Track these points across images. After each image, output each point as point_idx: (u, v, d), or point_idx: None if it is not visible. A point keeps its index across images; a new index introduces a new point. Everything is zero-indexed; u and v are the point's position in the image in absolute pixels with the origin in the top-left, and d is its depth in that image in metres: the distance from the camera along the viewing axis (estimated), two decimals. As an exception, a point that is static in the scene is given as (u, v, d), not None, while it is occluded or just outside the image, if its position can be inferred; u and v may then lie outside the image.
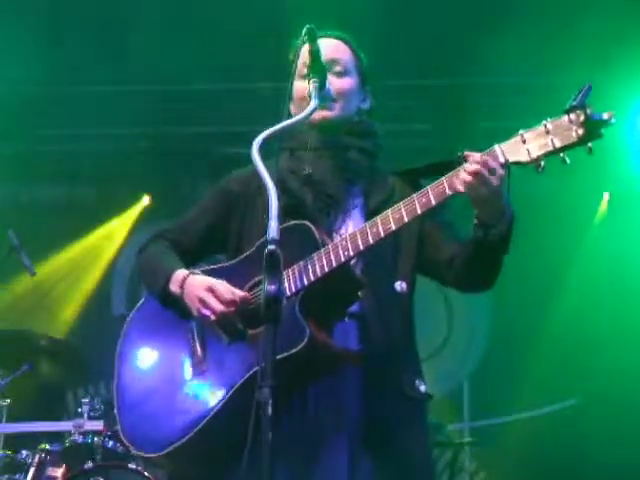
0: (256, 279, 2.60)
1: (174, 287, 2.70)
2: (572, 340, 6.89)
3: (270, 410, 1.97)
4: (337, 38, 2.90)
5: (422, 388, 2.68)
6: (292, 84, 2.76)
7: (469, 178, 2.35)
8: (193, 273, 2.72)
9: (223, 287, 2.61)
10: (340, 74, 2.83)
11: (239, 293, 2.60)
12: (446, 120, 6.69)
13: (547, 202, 7.10)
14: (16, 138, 7.28)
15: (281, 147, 2.65)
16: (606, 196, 7.43)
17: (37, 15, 5.99)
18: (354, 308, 2.60)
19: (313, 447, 2.52)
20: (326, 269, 2.49)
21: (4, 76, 6.38)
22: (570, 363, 6.84)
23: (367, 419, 2.55)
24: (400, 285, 2.68)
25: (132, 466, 4.85)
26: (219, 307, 2.58)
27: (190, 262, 2.86)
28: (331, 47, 2.84)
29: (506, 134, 2.38)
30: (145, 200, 7.78)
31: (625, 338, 6.82)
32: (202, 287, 2.63)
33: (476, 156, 2.36)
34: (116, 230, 7.77)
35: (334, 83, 2.78)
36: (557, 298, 7.10)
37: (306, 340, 2.40)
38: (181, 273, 2.72)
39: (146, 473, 4.77)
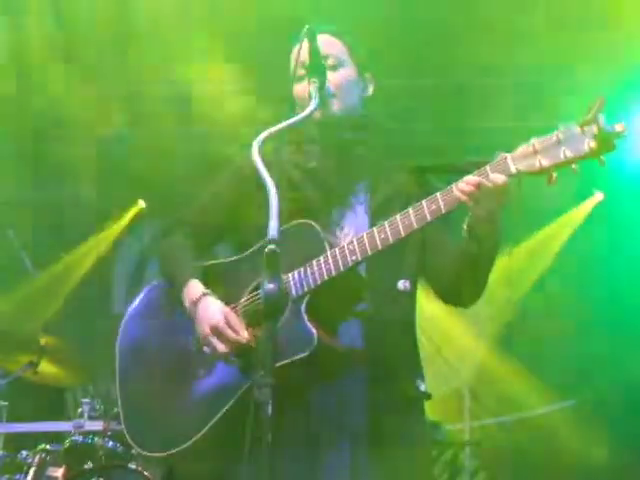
0: (255, 283, 2.58)
1: (188, 303, 2.66)
2: (572, 340, 6.89)
3: (270, 410, 1.97)
4: (324, 32, 2.80)
5: (422, 387, 2.68)
6: (292, 89, 2.72)
7: (471, 189, 2.33)
8: (205, 294, 2.64)
9: (234, 321, 2.55)
10: (334, 68, 2.78)
11: (246, 335, 2.53)
12: (446, 120, 6.68)
13: (543, 198, 7.11)
14: (16, 138, 7.28)
15: (287, 140, 2.64)
16: (598, 195, 7.44)
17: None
18: (358, 307, 2.60)
19: (315, 447, 2.52)
20: (333, 273, 2.49)
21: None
22: (570, 363, 6.83)
23: (369, 418, 2.55)
24: (403, 284, 2.66)
25: (132, 466, 4.85)
26: (222, 346, 2.54)
27: (210, 244, 2.87)
28: (321, 43, 2.72)
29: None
30: (141, 202, 7.78)
31: (625, 337, 6.82)
32: (216, 315, 2.57)
33: (481, 171, 2.33)
34: (114, 231, 7.79)
35: (330, 78, 2.74)
36: (557, 298, 7.10)
37: (314, 346, 2.40)
38: (196, 291, 2.66)
39: (146, 473, 4.76)
